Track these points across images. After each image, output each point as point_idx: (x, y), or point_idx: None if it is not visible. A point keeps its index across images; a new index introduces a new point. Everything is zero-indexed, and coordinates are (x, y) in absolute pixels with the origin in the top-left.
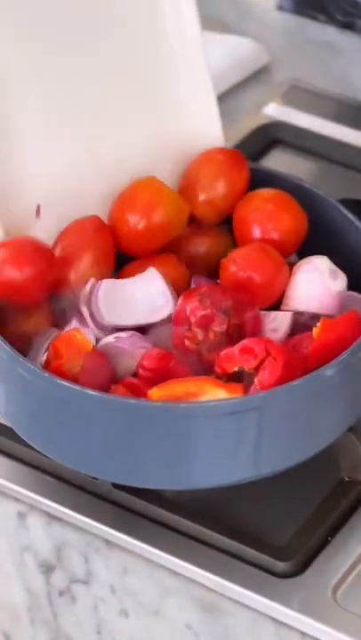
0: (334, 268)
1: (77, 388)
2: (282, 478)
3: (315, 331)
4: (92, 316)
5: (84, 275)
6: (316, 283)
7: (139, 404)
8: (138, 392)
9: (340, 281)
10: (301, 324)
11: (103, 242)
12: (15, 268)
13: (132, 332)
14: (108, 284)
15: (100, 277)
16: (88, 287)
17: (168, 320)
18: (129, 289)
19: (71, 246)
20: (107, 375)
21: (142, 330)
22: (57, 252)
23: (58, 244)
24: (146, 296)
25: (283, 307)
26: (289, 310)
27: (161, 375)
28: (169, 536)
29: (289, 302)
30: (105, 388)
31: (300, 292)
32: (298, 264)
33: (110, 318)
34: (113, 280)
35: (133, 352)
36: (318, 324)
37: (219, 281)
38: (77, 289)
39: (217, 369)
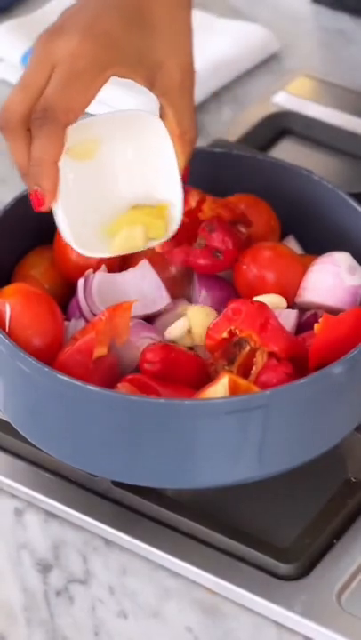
0: (355, 264)
1: (78, 383)
2: (286, 478)
3: (316, 327)
4: (88, 306)
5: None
6: (329, 274)
7: (141, 400)
8: (144, 388)
9: (358, 277)
10: (309, 321)
11: None
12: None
13: (136, 320)
14: (101, 277)
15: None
16: (82, 280)
17: (167, 310)
18: (122, 282)
19: None
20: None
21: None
22: None
23: None
24: (139, 289)
25: (296, 298)
26: (302, 301)
27: (165, 367)
28: (169, 536)
29: (302, 293)
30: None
31: (312, 283)
32: (318, 258)
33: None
34: (106, 273)
35: (137, 342)
36: (320, 320)
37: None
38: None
39: (207, 341)
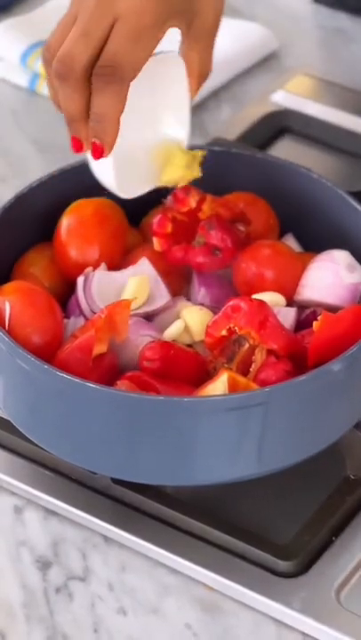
0: (354, 262)
1: (78, 380)
2: (286, 475)
3: (315, 324)
4: (88, 304)
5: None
6: (328, 272)
7: (140, 397)
8: (143, 385)
9: (358, 275)
10: (309, 319)
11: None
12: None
13: (135, 318)
14: (101, 275)
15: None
16: (82, 278)
17: (166, 308)
18: (122, 280)
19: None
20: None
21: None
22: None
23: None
24: None
25: (296, 296)
26: (301, 299)
27: (164, 365)
28: (169, 533)
29: (301, 291)
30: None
31: (311, 281)
32: (317, 256)
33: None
34: (106, 272)
35: (136, 340)
36: (319, 318)
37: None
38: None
39: (207, 339)
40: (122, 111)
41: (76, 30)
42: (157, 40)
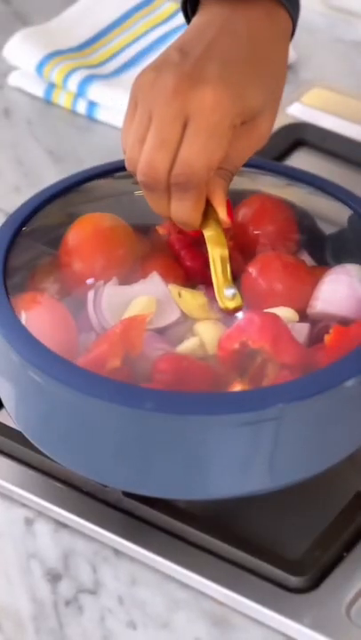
0: None
1: None
2: (297, 490)
3: (327, 338)
4: (97, 319)
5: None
6: (342, 285)
7: (152, 412)
8: None
9: None
10: (321, 334)
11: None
12: None
13: (149, 332)
14: (111, 290)
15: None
16: (92, 293)
17: (178, 322)
18: (132, 294)
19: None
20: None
21: None
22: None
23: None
24: None
25: (309, 309)
26: (315, 312)
27: (177, 377)
28: (180, 547)
29: (314, 304)
30: None
31: (325, 294)
32: (331, 269)
33: (115, 323)
34: (116, 286)
35: (150, 353)
36: (331, 331)
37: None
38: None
39: (219, 353)
40: (200, 212)
41: (153, 140)
42: (229, 137)
